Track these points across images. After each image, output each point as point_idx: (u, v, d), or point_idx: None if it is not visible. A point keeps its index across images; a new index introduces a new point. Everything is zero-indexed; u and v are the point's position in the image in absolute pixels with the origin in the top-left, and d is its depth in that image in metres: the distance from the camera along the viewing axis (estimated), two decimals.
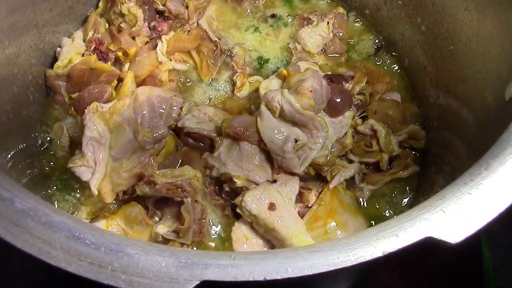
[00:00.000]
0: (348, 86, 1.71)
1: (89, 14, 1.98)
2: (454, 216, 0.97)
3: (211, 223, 1.64)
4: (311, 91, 1.50)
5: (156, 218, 1.62)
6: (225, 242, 1.63)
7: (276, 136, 1.54)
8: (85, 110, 1.59)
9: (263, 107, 1.56)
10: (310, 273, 0.90)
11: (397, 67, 2.01)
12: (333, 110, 1.62)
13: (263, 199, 1.51)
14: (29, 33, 1.71)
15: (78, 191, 1.72)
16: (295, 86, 1.55)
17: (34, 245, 0.90)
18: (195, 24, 2.02)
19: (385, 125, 1.70)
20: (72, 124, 1.78)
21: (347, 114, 1.65)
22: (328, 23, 2.00)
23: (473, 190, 1.01)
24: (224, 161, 1.60)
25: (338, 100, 1.62)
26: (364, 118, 1.72)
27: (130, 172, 1.60)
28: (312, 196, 1.59)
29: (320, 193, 1.60)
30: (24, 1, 1.64)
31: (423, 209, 1.00)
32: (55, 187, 1.73)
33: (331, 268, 0.91)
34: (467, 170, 1.07)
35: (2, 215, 0.92)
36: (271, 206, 1.50)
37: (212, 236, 1.64)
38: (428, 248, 0.95)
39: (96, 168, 1.56)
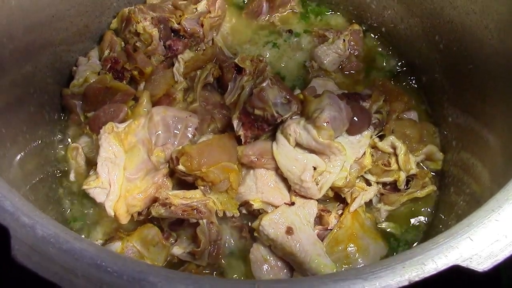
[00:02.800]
0: (365, 105, 1.69)
1: (104, 32, 1.98)
2: (482, 244, 0.95)
3: (227, 244, 1.62)
4: (327, 122, 1.46)
5: (172, 240, 1.60)
6: (242, 264, 1.60)
7: (294, 165, 1.52)
8: (101, 130, 1.58)
9: (279, 135, 1.54)
10: None
11: (414, 85, 1.99)
12: (352, 128, 1.59)
13: (280, 223, 1.50)
14: (45, 52, 1.72)
15: (92, 210, 1.72)
16: (312, 116, 1.49)
17: (56, 273, 0.88)
18: (210, 42, 2.01)
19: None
20: (87, 143, 1.77)
21: (365, 133, 1.63)
22: (344, 40, 1.99)
23: (501, 216, 0.99)
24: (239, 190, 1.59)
25: (358, 118, 1.59)
26: (381, 137, 1.69)
27: (145, 193, 1.59)
28: (331, 219, 1.57)
29: (340, 216, 1.58)
30: (41, 20, 1.64)
31: (449, 236, 0.97)
32: (70, 207, 1.72)
33: None
34: (494, 196, 1.05)
35: (23, 242, 0.91)
36: (289, 230, 1.48)
37: (229, 258, 1.62)
38: (449, 275, 0.93)
39: (111, 190, 1.55)
